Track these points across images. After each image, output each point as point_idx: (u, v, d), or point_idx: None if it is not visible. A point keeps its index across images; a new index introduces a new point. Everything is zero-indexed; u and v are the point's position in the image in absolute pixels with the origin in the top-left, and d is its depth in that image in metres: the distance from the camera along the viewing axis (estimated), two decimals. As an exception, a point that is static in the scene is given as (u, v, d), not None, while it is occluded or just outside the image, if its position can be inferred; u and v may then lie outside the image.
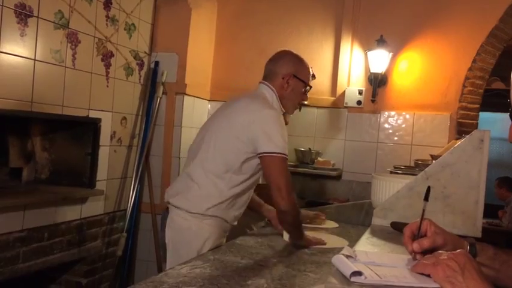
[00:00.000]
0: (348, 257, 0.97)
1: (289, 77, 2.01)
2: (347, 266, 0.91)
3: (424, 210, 1.02)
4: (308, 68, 2.09)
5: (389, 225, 1.44)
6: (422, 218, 1.02)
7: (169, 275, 1.46)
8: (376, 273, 0.89)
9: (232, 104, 2.03)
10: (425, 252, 0.99)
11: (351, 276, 0.87)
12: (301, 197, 3.50)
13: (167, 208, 2.04)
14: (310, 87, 2.10)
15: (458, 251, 0.89)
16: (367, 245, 1.20)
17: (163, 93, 3.60)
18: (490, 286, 0.83)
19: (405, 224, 1.05)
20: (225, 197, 1.92)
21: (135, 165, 3.53)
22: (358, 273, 0.88)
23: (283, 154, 1.84)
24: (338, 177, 3.55)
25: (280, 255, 1.77)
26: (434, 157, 2.59)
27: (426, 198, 1.05)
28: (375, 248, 1.16)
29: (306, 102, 3.55)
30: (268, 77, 2.06)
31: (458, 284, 0.82)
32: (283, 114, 2.06)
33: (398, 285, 0.86)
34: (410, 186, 1.40)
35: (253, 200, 2.14)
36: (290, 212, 1.84)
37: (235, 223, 2.03)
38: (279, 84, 2.01)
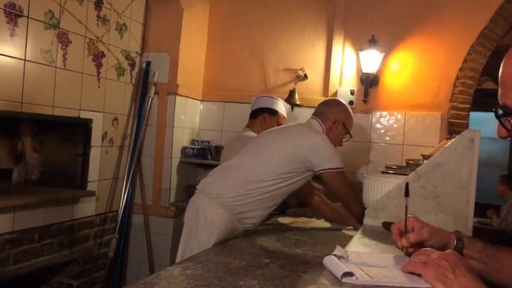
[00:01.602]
0: (339, 257, 0.97)
1: (339, 123, 2.33)
2: (338, 267, 0.91)
3: (406, 206, 1.05)
4: (353, 121, 2.44)
5: (380, 225, 1.44)
6: (406, 214, 1.05)
7: (161, 276, 1.45)
8: (367, 274, 0.89)
9: (288, 128, 2.39)
10: (415, 246, 1.01)
11: (342, 277, 0.87)
12: (293, 197, 3.49)
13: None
14: (351, 136, 2.43)
15: (448, 251, 0.90)
16: (358, 245, 1.20)
17: (155, 94, 3.59)
18: (480, 283, 0.83)
19: None
20: (247, 191, 2.08)
21: (127, 166, 3.51)
22: (349, 274, 0.88)
23: (339, 168, 2.18)
24: (330, 177, 3.55)
25: (272, 255, 1.77)
26: (425, 157, 2.60)
27: (407, 194, 1.08)
28: (367, 248, 1.16)
29: (298, 103, 3.57)
30: (319, 116, 2.34)
31: (449, 282, 0.82)
32: None
33: (390, 286, 0.86)
34: (401, 187, 1.40)
35: (340, 215, 2.46)
36: (361, 214, 2.02)
37: (249, 226, 2.14)
38: (329, 126, 2.32)
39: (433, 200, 1.33)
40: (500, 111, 0.93)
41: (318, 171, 2.18)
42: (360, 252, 1.06)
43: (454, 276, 0.83)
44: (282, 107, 2.99)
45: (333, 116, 2.34)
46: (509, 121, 0.93)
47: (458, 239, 1.03)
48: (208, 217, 2.04)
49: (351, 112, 2.43)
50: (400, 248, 1.04)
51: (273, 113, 2.93)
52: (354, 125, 3.48)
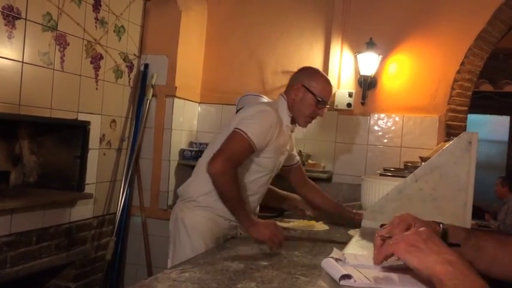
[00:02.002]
0: (337, 260, 0.96)
1: (299, 87, 2.06)
2: (336, 270, 0.90)
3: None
4: (323, 83, 2.10)
5: (378, 228, 1.44)
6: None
7: (158, 279, 1.45)
8: (365, 276, 0.89)
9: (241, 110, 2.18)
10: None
11: (340, 279, 0.87)
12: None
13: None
14: (322, 101, 2.08)
15: (422, 228, 0.85)
16: (356, 248, 1.20)
17: (153, 96, 3.59)
18: (454, 252, 0.79)
19: None
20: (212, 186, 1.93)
21: (125, 168, 3.51)
22: (347, 277, 0.87)
23: (244, 133, 1.89)
24: (328, 180, 3.55)
25: (270, 258, 1.77)
26: (423, 159, 2.61)
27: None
28: (365, 251, 1.16)
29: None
30: (285, 90, 2.16)
31: (421, 252, 0.78)
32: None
33: None
34: (399, 189, 1.40)
35: (277, 195, 2.34)
36: (216, 179, 1.86)
37: (234, 222, 2.02)
38: (291, 95, 2.09)
39: (430, 202, 1.33)
40: None
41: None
42: (358, 255, 1.05)
43: (425, 246, 0.79)
44: None
45: (293, 81, 2.13)
46: None
47: (444, 230, 0.99)
48: (186, 222, 2.00)
49: (319, 73, 2.15)
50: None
51: None
52: (351, 127, 3.54)
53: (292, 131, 2.20)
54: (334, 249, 1.03)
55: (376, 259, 0.89)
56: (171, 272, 1.52)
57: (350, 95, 3.54)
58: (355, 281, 0.87)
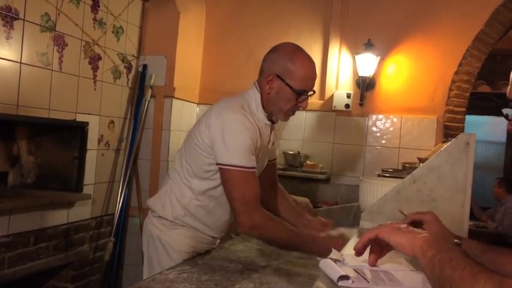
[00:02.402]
0: (335, 261, 0.97)
1: (272, 77, 1.65)
2: (334, 270, 0.91)
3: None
4: (303, 69, 1.65)
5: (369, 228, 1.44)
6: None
7: (156, 280, 1.45)
8: (363, 277, 0.89)
9: (207, 111, 1.76)
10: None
11: (338, 280, 0.87)
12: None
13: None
14: (304, 94, 1.67)
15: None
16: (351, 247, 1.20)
17: (151, 97, 3.59)
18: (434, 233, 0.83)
19: None
20: (193, 203, 1.73)
21: (123, 169, 3.51)
22: (345, 278, 0.88)
23: (242, 167, 1.58)
24: (326, 181, 3.56)
25: (268, 259, 1.77)
26: (421, 160, 2.61)
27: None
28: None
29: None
30: (259, 74, 1.73)
31: (403, 232, 0.84)
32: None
33: None
34: (397, 190, 1.41)
35: (289, 211, 1.95)
36: (255, 235, 1.64)
37: (219, 234, 1.84)
38: (263, 85, 1.68)
39: (428, 203, 1.33)
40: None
41: (217, 164, 1.63)
42: (356, 256, 1.06)
43: (407, 229, 0.85)
44: None
45: (266, 69, 1.68)
46: None
47: (457, 239, 0.99)
48: (165, 242, 1.75)
49: (298, 57, 1.66)
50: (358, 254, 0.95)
51: None
52: (350, 128, 3.54)
53: (275, 123, 1.80)
54: (333, 250, 1.04)
55: (357, 245, 0.92)
56: (169, 273, 1.52)
57: (348, 96, 3.54)
58: (353, 281, 0.87)
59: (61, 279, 3.13)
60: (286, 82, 1.64)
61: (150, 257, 1.83)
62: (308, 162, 3.56)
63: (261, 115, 1.71)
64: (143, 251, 1.88)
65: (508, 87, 0.89)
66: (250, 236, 1.74)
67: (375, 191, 1.65)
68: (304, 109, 1.75)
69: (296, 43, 3.88)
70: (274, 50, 1.71)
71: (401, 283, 0.88)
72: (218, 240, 1.89)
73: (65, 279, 3.13)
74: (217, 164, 1.62)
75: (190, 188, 1.73)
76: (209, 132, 1.63)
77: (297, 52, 1.68)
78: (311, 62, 1.69)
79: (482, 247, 1.01)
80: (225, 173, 1.60)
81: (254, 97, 1.71)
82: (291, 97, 1.66)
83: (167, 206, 1.77)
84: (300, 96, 1.67)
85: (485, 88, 5.84)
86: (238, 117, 1.61)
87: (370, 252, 0.94)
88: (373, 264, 0.93)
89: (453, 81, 3.34)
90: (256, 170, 1.64)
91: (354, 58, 3.50)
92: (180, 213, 1.75)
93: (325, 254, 1.18)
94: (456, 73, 3.34)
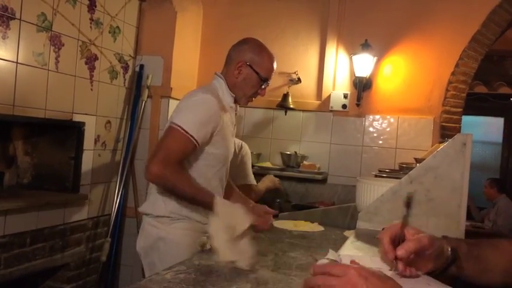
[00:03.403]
0: (333, 261, 0.96)
1: (242, 64, 1.89)
2: None
3: (405, 216, 0.95)
4: (269, 62, 1.94)
5: (373, 229, 1.44)
6: (403, 225, 0.95)
7: (153, 280, 1.44)
8: None
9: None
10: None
11: None
12: (287, 200, 3.50)
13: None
14: (266, 82, 1.93)
15: (356, 266, 0.79)
16: (352, 249, 1.20)
17: (148, 97, 3.58)
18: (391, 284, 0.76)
19: None
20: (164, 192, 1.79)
21: (120, 170, 3.50)
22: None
23: (181, 128, 1.70)
24: (323, 181, 3.56)
25: (265, 259, 1.77)
26: (418, 160, 2.62)
27: (408, 206, 0.99)
28: (360, 252, 1.16)
29: (291, 106, 3.57)
30: (225, 63, 1.97)
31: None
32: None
33: None
34: (394, 190, 1.41)
35: (237, 197, 2.08)
36: (157, 183, 1.75)
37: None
38: (231, 71, 1.90)
39: (425, 203, 1.33)
40: None
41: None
42: (353, 256, 1.06)
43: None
44: None
45: (236, 57, 1.93)
46: None
47: (452, 250, 0.95)
48: (167, 239, 1.80)
49: (265, 50, 1.97)
50: (391, 259, 0.92)
51: None
52: (347, 128, 3.55)
53: (236, 112, 2.00)
54: (330, 250, 1.04)
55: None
56: (166, 274, 1.51)
57: (345, 96, 3.55)
58: None
59: (57, 279, 3.12)
60: (254, 69, 1.89)
61: (152, 261, 1.85)
62: (305, 162, 3.56)
63: (229, 97, 1.91)
64: (140, 253, 1.91)
65: None
66: (160, 185, 1.78)
67: (372, 192, 1.65)
68: (262, 96, 2.00)
69: (293, 43, 3.89)
70: (244, 42, 1.99)
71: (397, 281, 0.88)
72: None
73: (62, 280, 3.12)
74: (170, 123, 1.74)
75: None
76: (177, 109, 1.79)
77: (264, 46, 1.97)
78: (273, 56, 1.98)
79: (466, 246, 0.99)
80: (168, 130, 1.74)
81: (219, 84, 1.91)
82: (255, 83, 1.91)
83: (160, 204, 1.81)
84: (263, 83, 1.92)
85: (481, 89, 5.85)
86: (205, 96, 1.80)
87: None
88: None
89: (450, 82, 3.35)
90: (196, 144, 1.73)
91: (350, 58, 3.50)
92: (175, 206, 1.79)
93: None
94: (453, 74, 3.34)
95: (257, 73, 1.89)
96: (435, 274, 0.95)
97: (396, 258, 0.91)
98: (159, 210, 1.82)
